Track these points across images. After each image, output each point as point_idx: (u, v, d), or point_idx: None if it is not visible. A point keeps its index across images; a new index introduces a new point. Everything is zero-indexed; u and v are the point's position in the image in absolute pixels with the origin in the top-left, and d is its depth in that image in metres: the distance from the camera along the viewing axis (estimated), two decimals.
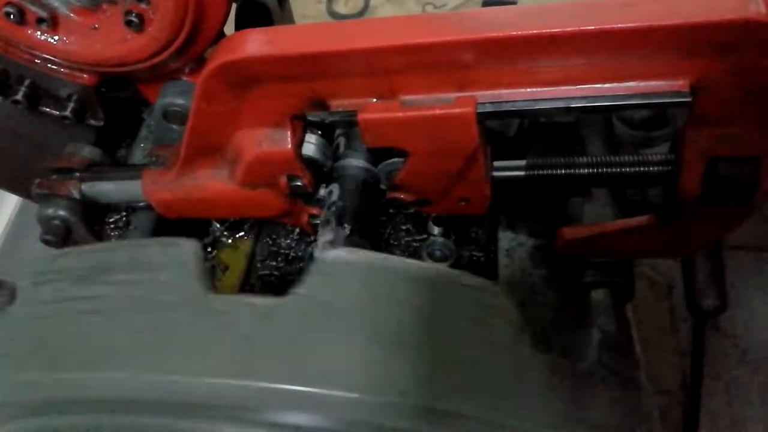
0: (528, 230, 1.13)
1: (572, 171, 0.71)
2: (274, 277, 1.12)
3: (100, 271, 0.61)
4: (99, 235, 0.87)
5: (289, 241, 1.14)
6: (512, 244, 1.13)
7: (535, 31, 0.54)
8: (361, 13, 1.68)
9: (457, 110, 0.60)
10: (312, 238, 1.14)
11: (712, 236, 0.73)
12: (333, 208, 0.74)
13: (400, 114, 0.62)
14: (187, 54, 0.76)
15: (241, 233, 1.14)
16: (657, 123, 1.13)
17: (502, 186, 0.73)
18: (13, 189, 0.91)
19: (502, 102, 0.61)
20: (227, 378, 0.51)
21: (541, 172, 0.72)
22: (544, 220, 1.08)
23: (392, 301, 0.56)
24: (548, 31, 0.54)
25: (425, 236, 1.12)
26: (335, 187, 0.76)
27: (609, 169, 0.69)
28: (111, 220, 0.88)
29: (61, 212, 0.82)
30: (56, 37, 0.74)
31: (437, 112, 0.61)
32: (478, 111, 0.61)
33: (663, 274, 1.27)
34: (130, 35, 0.73)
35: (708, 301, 0.88)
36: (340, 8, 1.70)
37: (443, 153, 0.65)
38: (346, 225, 0.73)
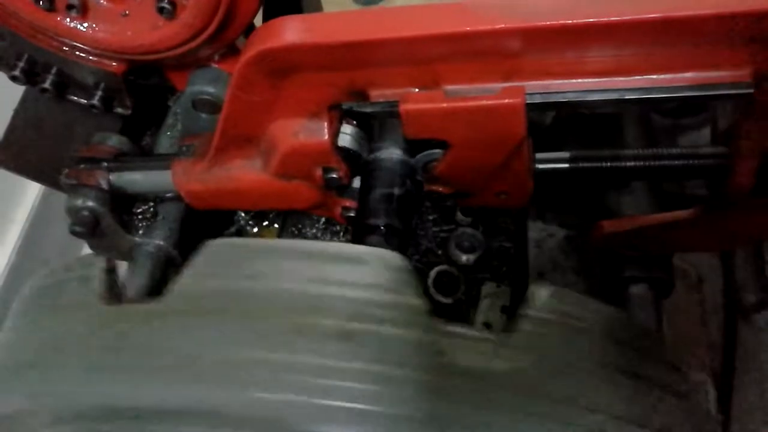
0: (558, 221, 1.11)
1: (619, 164, 0.68)
2: None
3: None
4: (127, 226, 0.85)
5: (314, 230, 1.12)
6: (542, 235, 1.11)
7: (592, 20, 0.52)
8: None
9: (506, 101, 0.58)
10: (338, 227, 1.12)
11: (761, 231, 0.71)
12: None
13: (444, 104, 0.59)
14: (219, 41, 0.74)
15: (266, 222, 1.12)
16: (687, 110, 1.10)
17: (544, 178, 0.71)
18: (38, 178, 0.89)
19: (551, 93, 0.59)
20: None
21: (585, 164, 0.69)
22: (574, 211, 1.06)
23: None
24: (606, 19, 0.52)
25: (453, 226, 1.11)
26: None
27: (658, 162, 0.67)
28: (138, 210, 0.87)
29: (90, 203, 0.80)
30: (85, 24, 0.72)
31: (484, 102, 0.58)
32: (527, 102, 0.58)
33: (693, 265, 1.24)
34: (162, 22, 0.71)
35: (750, 296, 0.86)
36: None
37: (487, 145, 0.63)
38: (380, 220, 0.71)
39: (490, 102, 0.58)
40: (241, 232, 1.13)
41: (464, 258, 1.05)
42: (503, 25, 0.54)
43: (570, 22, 0.52)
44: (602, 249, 0.84)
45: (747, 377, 1.17)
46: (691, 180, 0.80)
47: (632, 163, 0.68)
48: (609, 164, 0.69)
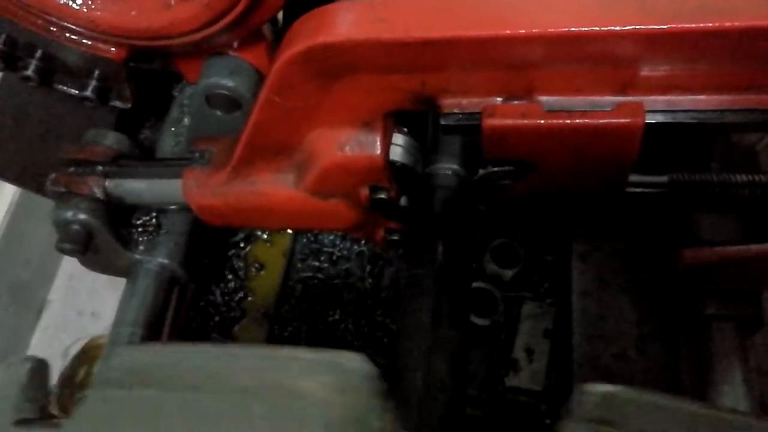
0: (606, 231, 0.99)
1: (729, 191, 0.57)
2: (318, 280, 0.98)
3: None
4: (125, 241, 0.72)
5: (332, 237, 1.00)
6: (587, 248, 0.99)
7: (761, 22, 0.39)
8: None
9: (623, 120, 0.46)
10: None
11: None
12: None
13: (543, 121, 0.47)
14: (244, 26, 0.60)
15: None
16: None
17: (637, 201, 0.60)
18: (20, 182, 0.76)
19: (676, 111, 0.47)
20: None
21: (688, 190, 0.58)
22: (625, 220, 0.95)
23: None
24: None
25: (488, 234, 0.99)
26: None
27: None
28: (138, 222, 0.74)
29: (82, 215, 0.67)
30: (79, 1, 0.58)
31: (596, 121, 0.46)
32: (648, 121, 0.46)
33: None
34: (175, 1, 0.57)
35: None
36: None
37: (586, 169, 0.51)
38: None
39: (602, 121, 0.46)
40: (250, 239, 1.01)
41: (502, 273, 0.94)
42: (639, 26, 0.41)
43: (734, 24, 0.39)
44: (680, 280, 0.72)
45: None
46: None
47: (746, 191, 0.57)
48: (718, 190, 0.57)
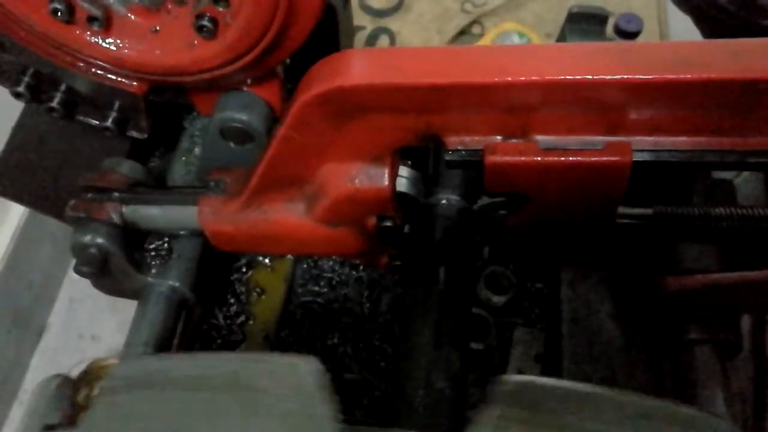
0: (593, 260, 1.04)
1: (710, 224, 0.62)
2: (317, 304, 1.02)
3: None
4: (138, 264, 0.75)
5: (331, 263, 1.04)
6: (575, 276, 1.04)
7: (728, 75, 0.45)
8: (395, 8, 1.57)
9: (613, 158, 0.50)
10: (357, 261, 1.04)
11: None
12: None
13: (539, 158, 0.52)
14: (261, 67, 0.65)
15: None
16: None
17: (622, 232, 0.64)
18: (37, 206, 0.79)
19: (660, 150, 0.51)
20: None
21: (671, 222, 0.62)
22: (610, 250, 1.00)
23: None
24: (744, 75, 0.44)
25: (481, 263, 1.03)
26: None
27: (758, 225, 0.60)
28: (152, 246, 0.77)
29: (100, 239, 0.71)
30: (109, 40, 0.62)
31: (587, 159, 0.51)
32: (635, 159, 0.51)
33: None
34: (198, 41, 0.61)
35: None
36: (374, 2, 1.57)
37: (578, 202, 0.55)
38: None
39: (593, 159, 0.51)
40: (251, 264, 1.04)
41: (495, 299, 0.98)
42: (624, 76, 0.46)
43: (705, 76, 0.44)
44: (663, 307, 0.77)
45: None
46: None
47: (725, 224, 0.61)
48: (699, 223, 0.62)
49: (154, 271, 0.77)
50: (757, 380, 1.16)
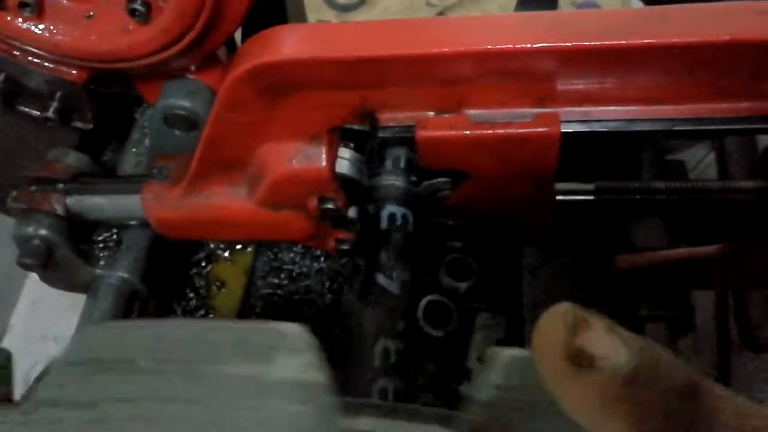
0: (554, 246, 1.04)
1: (649, 197, 0.62)
2: (277, 296, 1.01)
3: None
4: (86, 256, 0.74)
5: (292, 255, 1.03)
6: (536, 262, 1.04)
7: (652, 41, 0.45)
8: (360, 3, 1.57)
9: (541, 129, 0.51)
10: (318, 252, 1.03)
11: None
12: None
13: (469, 132, 0.52)
14: (199, 50, 0.64)
15: (239, 246, 1.02)
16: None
17: (565, 210, 0.64)
18: None
19: (590, 121, 0.52)
20: None
21: (612, 197, 0.63)
22: (572, 236, 1.00)
23: None
24: (668, 41, 0.45)
25: (442, 250, 1.03)
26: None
27: (693, 196, 0.61)
28: (99, 238, 0.76)
29: (43, 231, 0.70)
30: (42, 26, 0.61)
31: (516, 131, 0.51)
32: (562, 131, 0.51)
33: None
34: (133, 26, 0.61)
35: (764, 332, 0.81)
36: None
37: (513, 177, 0.55)
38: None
39: (522, 131, 0.51)
40: (210, 257, 1.03)
41: (456, 285, 0.97)
42: (550, 44, 0.46)
43: (630, 42, 0.45)
44: (615, 285, 0.77)
45: None
46: (730, 216, 0.74)
47: (665, 197, 0.62)
48: (639, 197, 0.62)
49: (102, 262, 0.76)
50: (721, 362, 1.17)
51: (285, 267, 1.02)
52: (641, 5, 1.08)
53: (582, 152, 0.80)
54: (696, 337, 1.22)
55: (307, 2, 1.57)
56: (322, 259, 1.03)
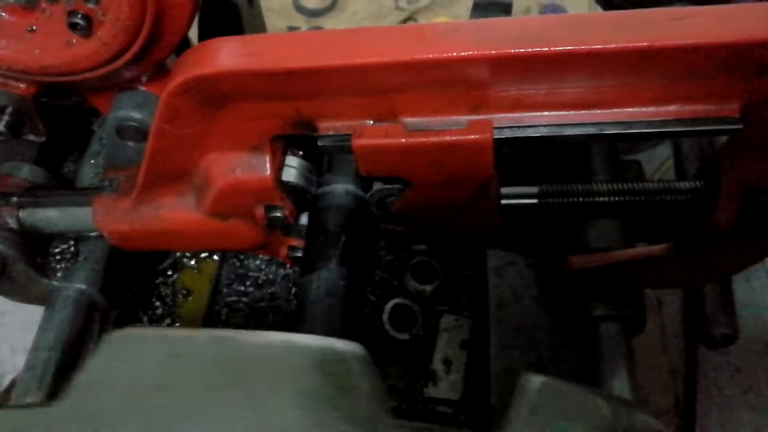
0: (518, 248, 1.05)
1: (591, 199, 0.63)
2: (243, 303, 1.01)
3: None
4: (42, 269, 0.75)
5: (258, 262, 1.03)
6: (502, 263, 1.05)
7: (570, 48, 0.46)
8: (330, 7, 1.57)
9: (473, 136, 0.51)
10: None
11: (740, 265, 0.66)
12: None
13: (404, 140, 0.52)
14: (145, 62, 0.65)
15: (205, 254, 1.03)
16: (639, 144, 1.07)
17: (511, 213, 0.65)
18: None
19: (522, 127, 0.52)
20: None
21: (555, 200, 0.64)
22: (535, 238, 1.01)
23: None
24: (587, 47, 0.45)
25: (408, 254, 1.04)
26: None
27: (634, 198, 0.62)
28: (56, 250, 0.76)
29: None
30: None
31: (449, 138, 0.51)
32: (495, 137, 0.52)
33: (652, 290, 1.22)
34: (76, 39, 0.61)
35: (719, 329, 0.82)
36: (308, 2, 1.58)
37: (451, 183, 0.56)
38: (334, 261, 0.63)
39: (455, 138, 0.52)
40: (176, 265, 1.04)
41: (421, 288, 0.98)
42: (471, 52, 0.47)
43: (546, 49, 0.45)
44: (569, 285, 0.78)
45: (708, 402, 1.15)
46: (670, 217, 0.75)
47: (606, 199, 0.63)
48: (581, 200, 0.63)
49: (59, 274, 0.76)
50: (688, 358, 1.18)
51: (251, 274, 1.03)
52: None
53: (530, 157, 0.81)
54: (663, 334, 1.24)
55: (277, 8, 1.58)
56: (288, 265, 1.03)
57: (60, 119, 0.79)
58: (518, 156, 0.77)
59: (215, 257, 1.01)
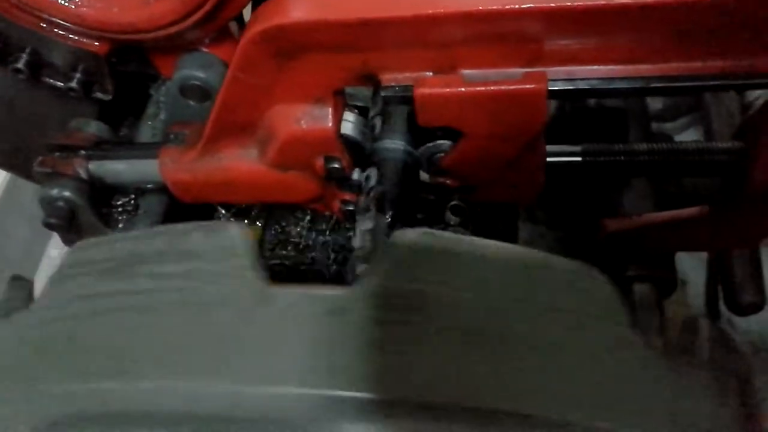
0: (549, 220, 1.09)
1: (633, 158, 0.66)
2: (284, 267, 1.05)
3: (135, 263, 0.53)
4: (106, 219, 0.79)
5: (299, 229, 1.08)
6: (532, 235, 1.09)
7: (626, 1, 0.49)
8: None
9: (528, 86, 0.55)
10: (324, 226, 1.08)
11: None
12: (372, 194, 0.68)
13: (462, 89, 0.56)
14: (213, 23, 0.69)
15: (247, 221, 1.07)
16: (669, 115, 1.10)
17: (555, 172, 0.69)
18: (9, 167, 0.83)
19: (575, 80, 0.56)
20: (299, 387, 0.44)
21: (599, 158, 0.67)
22: (566, 209, 1.04)
23: (479, 292, 0.50)
24: (642, 1, 0.49)
25: (442, 226, 1.07)
26: (373, 172, 0.70)
27: (673, 158, 0.65)
28: (118, 203, 0.81)
29: (67, 193, 0.74)
30: None
31: (507, 87, 0.55)
32: (549, 88, 0.55)
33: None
34: None
35: (747, 297, 0.85)
36: None
37: (504, 134, 0.60)
38: (387, 212, 0.67)
39: (511, 87, 0.55)
40: None
41: None
42: (533, 5, 0.51)
43: (605, 2, 0.49)
44: (604, 247, 0.81)
45: None
46: (705, 177, 0.78)
47: (647, 158, 0.66)
48: (623, 158, 0.67)
49: (121, 226, 0.81)
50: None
51: (291, 240, 1.07)
52: None
53: (574, 124, 0.84)
54: (684, 303, 1.26)
55: None
56: (328, 232, 1.07)
57: (119, 84, 0.84)
58: (560, 124, 0.81)
59: (258, 223, 1.05)
